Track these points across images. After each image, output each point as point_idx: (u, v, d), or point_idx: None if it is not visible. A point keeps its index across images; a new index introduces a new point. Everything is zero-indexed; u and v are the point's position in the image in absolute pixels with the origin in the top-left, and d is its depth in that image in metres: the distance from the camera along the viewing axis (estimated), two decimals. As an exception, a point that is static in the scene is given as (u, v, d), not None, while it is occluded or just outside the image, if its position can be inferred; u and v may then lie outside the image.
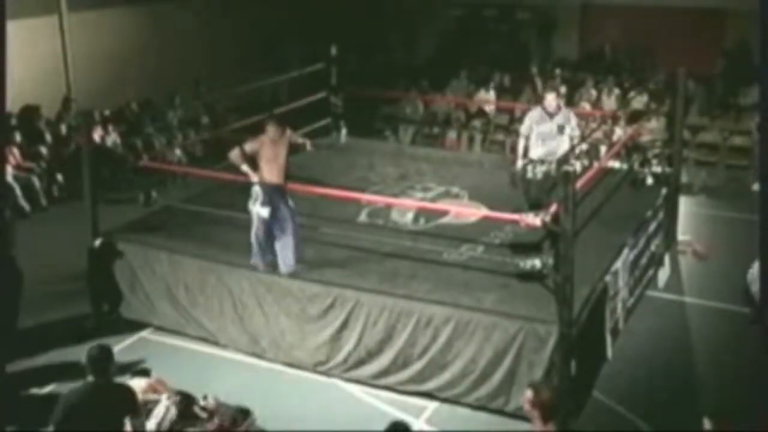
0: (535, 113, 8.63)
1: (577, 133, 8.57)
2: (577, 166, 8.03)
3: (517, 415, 7.01)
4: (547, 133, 8.46)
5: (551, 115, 8.49)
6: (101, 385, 5.38)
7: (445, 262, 8.23)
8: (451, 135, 15.15)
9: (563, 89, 15.08)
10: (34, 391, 7.58)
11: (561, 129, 8.47)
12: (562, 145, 8.38)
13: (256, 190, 7.95)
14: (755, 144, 13.00)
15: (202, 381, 7.34)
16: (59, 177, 12.70)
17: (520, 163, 8.59)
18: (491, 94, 15.40)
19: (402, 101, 15.62)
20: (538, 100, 9.30)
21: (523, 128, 8.65)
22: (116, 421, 5.39)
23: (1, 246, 7.95)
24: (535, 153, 8.48)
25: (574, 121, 8.62)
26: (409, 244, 8.64)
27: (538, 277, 7.66)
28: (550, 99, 8.57)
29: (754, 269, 7.44)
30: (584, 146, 12.29)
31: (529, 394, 4.99)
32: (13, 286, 8.13)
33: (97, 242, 8.76)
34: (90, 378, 5.38)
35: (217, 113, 15.26)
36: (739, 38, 15.52)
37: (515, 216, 7.84)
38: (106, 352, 5.46)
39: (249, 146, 7.92)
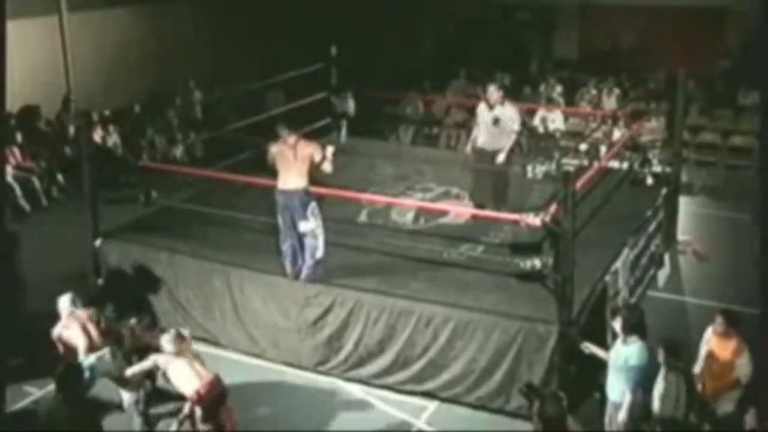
0: (481, 104, 9.56)
1: (516, 127, 9.38)
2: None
3: (518, 414, 7.02)
4: (486, 123, 9.38)
5: (491, 107, 9.36)
6: (70, 404, 5.28)
7: (445, 262, 8.23)
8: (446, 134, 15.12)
9: (559, 88, 15.15)
10: (32, 390, 7.58)
11: (496, 121, 9.29)
12: (501, 137, 9.31)
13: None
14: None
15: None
16: (59, 177, 12.70)
17: (469, 147, 9.72)
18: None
19: (402, 101, 15.60)
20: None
21: (477, 118, 9.66)
22: None
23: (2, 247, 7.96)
24: (480, 141, 9.50)
25: (512, 115, 9.36)
26: (409, 244, 8.63)
27: (538, 277, 7.65)
28: (491, 91, 9.40)
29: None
30: (584, 146, 12.32)
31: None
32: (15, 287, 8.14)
33: (98, 242, 8.76)
34: (59, 396, 5.31)
35: (217, 113, 15.25)
36: (740, 38, 15.50)
37: (515, 216, 7.84)
38: (73, 371, 5.38)
39: (269, 154, 7.77)
